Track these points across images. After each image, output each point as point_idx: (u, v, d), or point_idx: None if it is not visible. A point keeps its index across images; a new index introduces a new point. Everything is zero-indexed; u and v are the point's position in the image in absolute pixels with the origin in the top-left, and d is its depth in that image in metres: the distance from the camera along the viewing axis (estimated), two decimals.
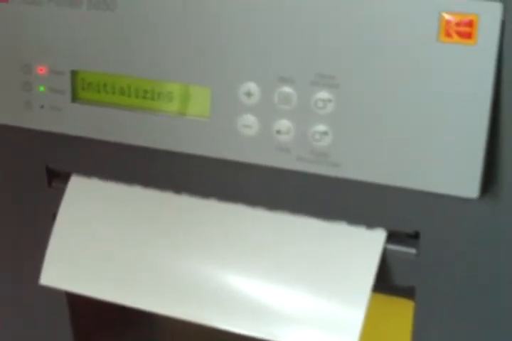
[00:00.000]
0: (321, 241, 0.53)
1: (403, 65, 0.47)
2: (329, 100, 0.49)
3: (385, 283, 0.53)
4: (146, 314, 0.58)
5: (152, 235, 0.58)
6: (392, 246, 0.52)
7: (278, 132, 0.51)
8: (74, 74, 0.57)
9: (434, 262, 0.51)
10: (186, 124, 0.54)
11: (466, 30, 0.45)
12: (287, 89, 0.50)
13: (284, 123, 0.51)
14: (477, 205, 0.48)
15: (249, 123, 0.52)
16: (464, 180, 0.47)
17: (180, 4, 0.52)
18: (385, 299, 0.57)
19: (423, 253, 0.51)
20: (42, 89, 0.58)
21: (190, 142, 0.54)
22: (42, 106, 0.58)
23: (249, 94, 0.51)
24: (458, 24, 0.45)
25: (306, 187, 0.53)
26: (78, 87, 0.57)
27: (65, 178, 0.61)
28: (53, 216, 0.61)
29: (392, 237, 0.52)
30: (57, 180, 0.62)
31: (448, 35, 0.46)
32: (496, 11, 0.44)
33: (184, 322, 0.56)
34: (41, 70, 0.57)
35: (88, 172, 0.60)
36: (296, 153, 0.51)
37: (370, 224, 0.52)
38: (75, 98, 0.57)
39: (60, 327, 0.67)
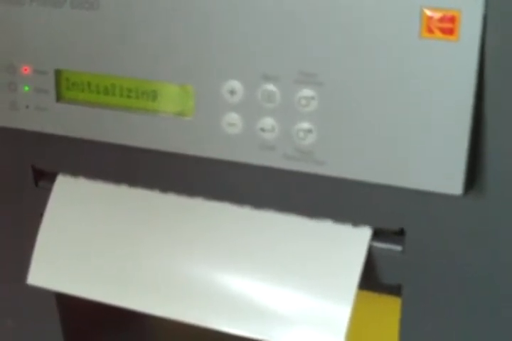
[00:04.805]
0: (306, 239, 0.53)
1: (385, 61, 0.47)
2: (313, 98, 0.49)
3: (371, 280, 0.52)
4: (138, 313, 0.58)
5: (139, 234, 0.58)
6: (377, 244, 0.52)
7: (262, 130, 0.51)
8: (58, 73, 0.56)
9: (420, 259, 0.50)
10: (171, 123, 0.53)
11: (448, 26, 0.45)
12: (271, 87, 0.50)
13: (268, 121, 0.50)
14: (462, 202, 0.48)
15: (233, 121, 0.51)
16: (448, 177, 0.47)
17: (162, 3, 0.52)
18: (372, 296, 0.57)
19: (409, 251, 0.51)
20: (27, 89, 0.57)
21: (174, 140, 0.54)
22: (27, 106, 0.58)
23: (232, 92, 0.51)
24: (440, 20, 0.45)
25: (292, 185, 0.52)
26: (62, 87, 0.57)
27: (51, 178, 0.61)
28: (41, 216, 0.61)
29: (377, 235, 0.52)
30: (44, 180, 0.62)
31: (430, 31, 0.45)
32: (478, 6, 0.44)
33: (175, 322, 0.56)
34: (25, 70, 0.57)
35: (74, 171, 0.60)
36: (280, 151, 0.51)
37: (355, 221, 0.52)
38: (59, 97, 0.57)
39: (50, 326, 0.67)
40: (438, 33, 0.45)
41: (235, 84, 0.51)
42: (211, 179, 0.55)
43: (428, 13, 0.45)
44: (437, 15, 0.45)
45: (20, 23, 0.57)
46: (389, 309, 0.56)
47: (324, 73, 0.48)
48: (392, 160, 0.48)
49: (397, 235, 0.51)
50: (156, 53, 0.53)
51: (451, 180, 0.47)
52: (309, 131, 0.49)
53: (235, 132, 0.51)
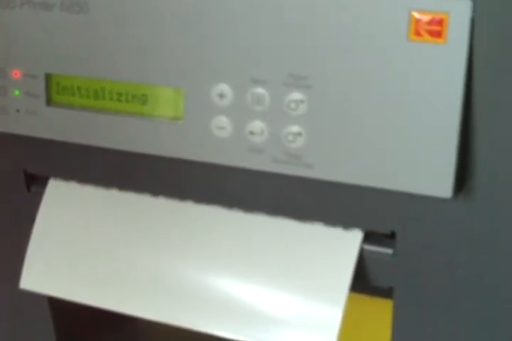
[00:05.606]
0: (297, 242, 0.53)
1: (374, 64, 0.46)
2: (302, 101, 0.49)
3: (363, 283, 0.52)
4: (130, 315, 0.58)
5: (131, 238, 0.58)
6: (369, 247, 0.52)
7: (251, 133, 0.51)
8: (48, 77, 0.56)
9: (411, 262, 0.50)
10: (160, 126, 0.53)
11: (436, 29, 0.45)
12: (260, 90, 0.50)
13: (257, 125, 0.50)
14: (451, 205, 0.48)
15: (222, 124, 0.51)
16: (438, 180, 0.47)
17: (152, 6, 0.52)
18: (364, 299, 0.57)
19: (400, 253, 0.51)
20: (17, 93, 0.57)
21: (164, 144, 0.53)
22: (17, 110, 0.58)
23: (222, 96, 0.51)
24: (428, 23, 0.45)
25: (282, 189, 0.52)
26: (52, 91, 0.56)
27: (43, 182, 0.61)
28: (33, 220, 0.61)
29: (368, 238, 0.52)
30: (35, 184, 0.62)
31: (418, 34, 0.45)
32: (466, 9, 0.44)
33: (167, 324, 0.56)
34: (16, 74, 0.57)
35: (66, 176, 0.60)
36: (269, 155, 0.50)
37: (346, 224, 0.52)
38: (49, 101, 0.57)
39: (43, 328, 0.67)
40: (426, 36, 0.45)
41: (224, 88, 0.51)
42: (202, 182, 0.55)
43: (416, 15, 0.45)
44: (425, 18, 0.45)
45: (11, 26, 0.56)
46: (381, 311, 0.56)
47: (313, 76, 0.48)
48: (382, 163, 0.48)
49: (388, 238, 0.51)
50: (146, 57, 0.53)
51: (440, 183, 0.47)
52: (298, 134, 0.49)
53: (224, 135, 0.51)
